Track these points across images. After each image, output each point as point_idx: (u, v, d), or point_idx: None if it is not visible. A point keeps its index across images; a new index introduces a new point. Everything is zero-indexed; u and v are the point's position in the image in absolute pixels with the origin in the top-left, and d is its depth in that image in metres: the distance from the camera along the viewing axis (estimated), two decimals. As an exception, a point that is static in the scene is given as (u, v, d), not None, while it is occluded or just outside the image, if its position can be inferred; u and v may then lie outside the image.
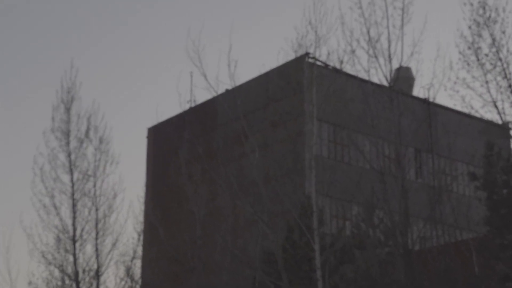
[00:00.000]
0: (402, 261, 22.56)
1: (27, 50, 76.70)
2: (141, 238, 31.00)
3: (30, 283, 29.80)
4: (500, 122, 21.58)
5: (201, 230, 28.83)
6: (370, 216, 24.96)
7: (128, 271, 29.42)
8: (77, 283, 28.67)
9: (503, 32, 21.22)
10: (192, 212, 29.27)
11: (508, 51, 21.06)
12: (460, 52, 21.19)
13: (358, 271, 23.96)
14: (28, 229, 35.45)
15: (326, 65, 25.25)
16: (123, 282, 29.34)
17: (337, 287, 23.34)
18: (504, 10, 21.68)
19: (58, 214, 29.51)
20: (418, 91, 32.47)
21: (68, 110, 30.64)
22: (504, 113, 21.09)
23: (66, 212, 29.50)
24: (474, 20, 21.72)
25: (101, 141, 30.42)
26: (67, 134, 30.29)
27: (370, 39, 24.17)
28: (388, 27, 24.29)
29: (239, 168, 28.26)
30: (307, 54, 25.99)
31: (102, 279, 29.16)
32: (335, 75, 24.93)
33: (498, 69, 21.04)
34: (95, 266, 29.06)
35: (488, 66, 21.16)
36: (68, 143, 30.17)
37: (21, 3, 76.78)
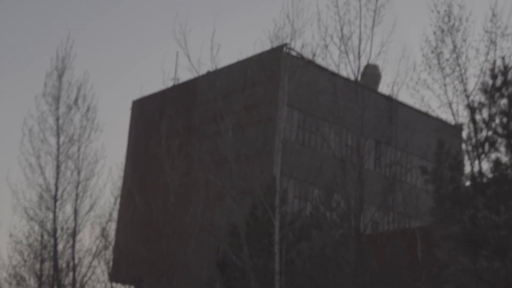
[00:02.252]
0: (354, 243, 22.68)
1: (28, 20, 75.91)
2: (118, 202, 31.00)
3: (11, 235, 29.81)
4: (453, 122, 21.71)
5: (174, 199, 28.86)
6: (328, 199, 25.10)
7: (103, 232, 29.45)
8: (55, 239, 28.64)
9: (464, 40, 21.24)
10: (167, 183, 29.26)
11: (466, 58, 21.09)
12: (423, 55, 21.20)
13: (314, 249, 24.13)
14: (13, 186, 35.41)
15: (301, 57, 25.24)
16: (97, 241, 29.39)
17: (293, 262, 23.45)
18: (467, 20, 21.70)
19: (42, 173, 29.38)
20: (382, 88, 32.61)
21: (60, 77, 30.41)
22: (457, 114, 21.16)
23: (50, 172, 29.40)
24: (439, 27, 21.71)
25: (88, 109, 30.25)
26: (57, 99, 30.07)
27: (342, 36, 24.17)
28: (360, 26, 24.29)
29: (214, 145, 28.24)
30: (285, 44, 25.88)
31: (78, 237, 29.21)
32: (308, 67, 24.98)
33: (456, 73, 21.07)
34: (73, 225, 29.03)
35: (447, 70, 21.18)
36: (57, 108, 29.97)
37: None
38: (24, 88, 73.12)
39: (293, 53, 25.70)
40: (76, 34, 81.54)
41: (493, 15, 20.37)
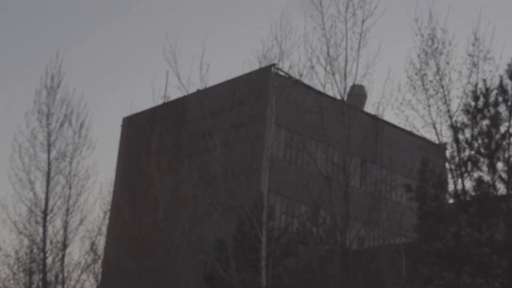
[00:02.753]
0: (340, 259, 22.76)
1: (18, 37, 75.80)
2: (107, 216, 30.94)
3: (0, 249, 29.62)
4: (437, 142, 21.85)
5: (163, 214, 28.83)
6: (315, 216, 25.13)
7: (92, 246, 29.34)
8: (44, 252, 28.50)
9: (447, 63, 21.43)
10: (156, 198, 29.20)
11: (449, 80, 21.27)
12: (408, 77, 21.36)
13: (300, 264, 24.13)
14: (2, 200, 35.55)
15: (289, 77, 25.35)
16: (87, 256, 29.29)
17: (280, 277, 23.40)
18: (450, 44, 21.91)
19: (32, 188, 29.34)
20: (368, 108, 32.71)
21: (50, 94, 30.43)
22: (441, 134, 21.31)
23: (40, 187, 29.34)
24: (423, 49, 21.89)
25: (81, 126, 30.32)
26: (47, 116, 30.06)
27: (329, 57, 24.38)
28: (346, 48, 24.51)
29: (202, 162, 28.19)
30: (273, 65, 26.02)
31: (67, 251, 29.10)
32: (295, 87, 25.08)
33: (439, 95, 21.22)
34: (62, 239, 28.92)
35: (431, 91, 21.34)
36: (48, 124, 29.95)
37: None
38: (14, 104, 72.84)
39: (281, 73, 25.84)
40: (68, 52, 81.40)
41: (476, 39, 20.58)
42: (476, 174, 17.96)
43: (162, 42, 76.83)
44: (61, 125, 30.04)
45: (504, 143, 17.70)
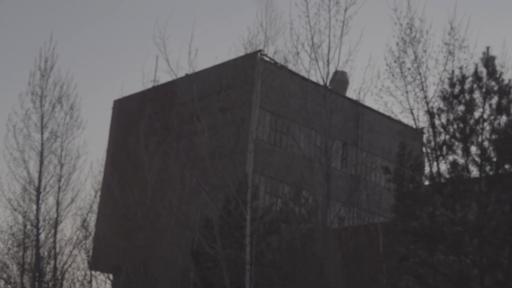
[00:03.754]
0: (320, 237, 22.83)
1: (12, 20, 75.13)
2: (98, 195, 30.99)
3: (-5, 224, 29.67)
4: (414, 126, 21.99)
5: (151, 194, 28.87)
6: (297, 196, 25.21)
7: (84, 223, 29.44)
8: (38, 229, 28.55)
9: (425, 51, 21.51)
10: (145, 178, 29.29)
11: (426, 67, 21.36)
12: (387, 64, 21.42)
13: (282, 242, 24.18)
14: (-3, 178, 35.28)
15: (274, 62, 25.37)
16: (78, 232, 29.40)
17: (263, 253, 23.51)
18: (427, 33, 21.99)
19: (26, 167, 29.28)
20: (350, 93, 32.82)
21: (43, 76, 30.29)
22: (418, 119, 21.42)
23: (33, 166, 29.31)
24: (402, 38, 21.95)
25: (71, 107, 30.23)
26: (41, 98, 29.96)
27: (313, 44, 24.34)
28: (329, 36, 24.45)
29: (190, 144, 28.23)
30: (259, 51, 26.02)
31: (60, 227, 29.16)
32: (280, 72, 25.11)
33: (417, 82, 21.32)
34: (55, 216, 28.96)
35: (409, 78, 21.42)
36: (42, 106, 29.86)
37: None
38: (8, 85, 72.27)
39: (266, 59, 25.85)
40: (60, 35, 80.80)
41: (451, 28, 20.68)
42: (451, 158, 18.07)
43: (152, 27, 76.92)
44: (54, 106, 29.96)
45: (478, 128, 17.80)
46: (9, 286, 28.54)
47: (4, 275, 28.77)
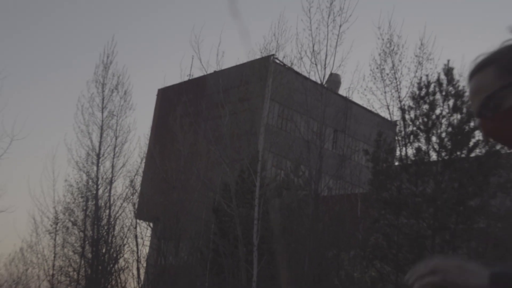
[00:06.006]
0: (313, 202, 23.06)
1: (81, 22, 75.19)
2: (143, 162, 31.24)
3: (66, 180, 30.08)
4: (389, 119, 22.15)
5: (184, 163, 29.05)
6: (296, 169, 25.37)
7: (131, 183, 29.68)
8: (97, 185, 28.89)
9: (400, 61, 21.71)
10: (179, 150, 29.46)
11: (401, 74, 21.57)
12: (370, 70, 21.70)
13: (283, 204, 24.34)
14: (68, 145, 35.92)
15: (283, 64, 25.46)
16: (127, 189, 29.66)
17: (268, 212, 23.62)
18: (402, 47, 22.16)
19: (90, 138, 29.60)
20: (341, 91, 32.91)
21: (105, 69, 30.60)
22: (393, 114, 21.69)
23: (95, 137, 29.66)
24: (383, 50, 22.12)
25: (125, 93, 30.50)
26: (102, 85, 30.26)
27: (313, 51, 24.50)
28: (326, 45, 24.62)
29: (215, 125, 28.40)
30: (272, 55, 26.12)
31: (113, 185, 29.47)
32: (287, 72, 25.22)
33: (393, 84, 21.52)
34: (110, 176, 29.30)
35: (387, 81, 21.62)
36: (103, 91, 30.18)
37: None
38: (78, 74, 72.53)
39: (277, 62, 25.96)
40: (119, 37, 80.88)
41: (421, 44, 20.83)
42: (416, 144, 18.17)
43: (189, 33, 77.51)
44: (112, 92, 30.27)
45: (437, 122, 17.92)
46: (75, 227, 28.98)
47: (72, 219, 29.21)
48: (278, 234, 22.98)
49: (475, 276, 1.49)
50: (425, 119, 18.02)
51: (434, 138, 17.84)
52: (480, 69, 1.71)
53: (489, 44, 1.75)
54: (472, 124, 17.09)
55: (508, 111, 1.62)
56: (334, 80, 31.56)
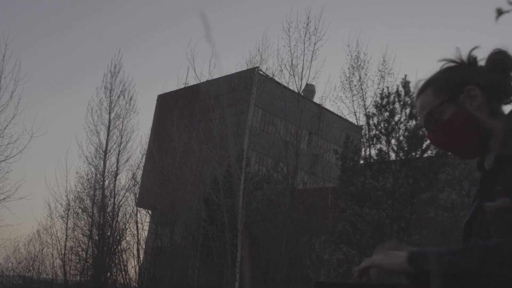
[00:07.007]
0: (290, 194, 23.21)
1: (92, 37, 74.60)
2: (144, 158, 31.22)
3: (77, 172, 30.15)
4: (356, 124, 22.38)
5: (179, 158, 29.06)
6: (276, 166, 25.46)
7: (133, 175, 29.64)
8: (103, 177, 28.81)
9: (366, 75, 21.93)
10: (175, 148, 29.47)
11: (366, 85, 21.83)
12: (341, 81, 22.24)
13: (264, 196, 24.54)
14: (79, 142, 35.59)
15: (266, 75, 25.57)
16: (129, 181, 29.61)
17: (251, 203, 23.76)
18: (368, 62, 22.52)
19: (98, 136, 29.52)
20: (315, 99, 33.09)
21: (113, 77, 30.53)
22: (359, 119, 21.91)
23: (103, 135, 29.61)
24: (351, 64, 22.34)
25: (130, 98, 30.44)
26: (110, 91, 30.20)
27: (292, 65, 24.68)
28: (303, 60, 24.89)
29: (206, 127, 28.40)
30: (256, 67, 26.23)
31: (118, 177, 29.42)
32: (269, 82, 25.34)
33: (360, 94, 21.75)
34: (115, 169, 29.26)
35: (354, 92, 21.84)
36: (110, 96, 30.12)
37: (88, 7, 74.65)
38: (89, 81, 72.03)
39: (261, 73, 26.07)
40: (124, 49, 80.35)
41: (384, 60, 21.12)
42: (378, 146, 18.42)
43: (186, 47, 77.82)
44: (118, 97, 30.20)
45: (396, 127, 18.16)
46: (84, 213, 28.94)
47: (81, 206, 29.17)
48: (259, 222, 23.13)
49: (398, 257, 1.67)
50: (386, 125, 18.26)
51: (393, 141, 18.10)
52: (422, 90, 1.93)
53: (438, 60, 1.94)
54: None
55: (446, 123, 1.82)
56: (310, 89, 31.82)
